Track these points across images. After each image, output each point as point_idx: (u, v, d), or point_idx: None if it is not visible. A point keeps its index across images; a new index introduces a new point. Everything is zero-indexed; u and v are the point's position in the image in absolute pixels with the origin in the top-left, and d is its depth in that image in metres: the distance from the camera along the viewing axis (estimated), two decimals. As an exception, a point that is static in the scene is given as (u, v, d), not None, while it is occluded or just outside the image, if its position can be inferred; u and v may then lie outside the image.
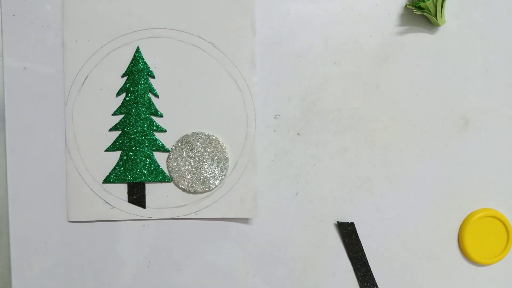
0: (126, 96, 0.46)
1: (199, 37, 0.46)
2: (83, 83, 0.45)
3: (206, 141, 0.46)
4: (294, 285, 0.48)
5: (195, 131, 0.46)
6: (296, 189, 0.48)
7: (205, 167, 0.46)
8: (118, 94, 0.46)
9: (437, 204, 0.49)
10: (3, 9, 0.45)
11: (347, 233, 0.48)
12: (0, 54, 0.45)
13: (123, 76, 0.46)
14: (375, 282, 0.49)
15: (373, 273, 0.49)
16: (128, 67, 0.46)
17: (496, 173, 0.50)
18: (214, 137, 0.46)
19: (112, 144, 0.46)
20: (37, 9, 0.45)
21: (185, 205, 0.47)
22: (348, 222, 0.48)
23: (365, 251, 0.49)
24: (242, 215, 0.47)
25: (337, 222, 0.48)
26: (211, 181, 0.46)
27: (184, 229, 0.47)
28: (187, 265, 0.47)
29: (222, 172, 0.46)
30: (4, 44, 0.45)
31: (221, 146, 0.46)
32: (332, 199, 0.48)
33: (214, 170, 0.46)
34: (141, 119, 0.46)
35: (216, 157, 0.46)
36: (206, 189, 0.46)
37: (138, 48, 0.46)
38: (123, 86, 0.46)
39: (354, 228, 0.48)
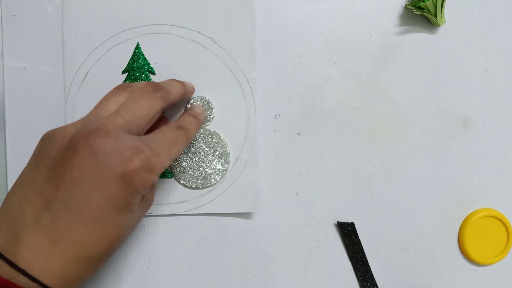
0: (127, 93, 0.46)
1: (199, 32, 0.46)
2: (83, 80, 0.45)
3: (207, 136, 0.46)
4: (294, 285, 0.48)
5: None
6: (296, 189, 0.48)
7: (206, 162, 0.46)
8: (118, 91, 0.46)
9: (437, 204, 0.49)
10: (3, 9, 0.45)
11: (347, 233, 0.48)
12: (0, 54, 0.45)
13: (123, 72, 0.46)
14: (375, 282, 0.49)
15: (373, 273, 0.49)
16: (128, 63, 0.46)
17: (496, 173, 0.50)
18: (215, 132, 0.46)
19: (113, 142, 0.46)
20: (37, 9, 0.45)
21: (187, 201, 0.46)
22: (348, 222, 0.48)
23: (365, 251, 0.49)
24: (243, 210, 0.47)
25: (337, 222, 0.48)
26: (212, 177, 0.46)
27: (184, 229, 0.47)
28: (187, 265, 0.47)
29: (223, 167, 0.46)
30: (4, 44, 0.45)
31: (222, 141, 0.46)
32: (332, 199, 0.48)
33: (215, 166, 0.46)
34: (142, 116, 0.46)
35: (217, 153, 0.46)
36: (208, 185, 0.46)
37: (138, 44, 0.46)
38: (123, 82, 0.46)
39: (354, 228, 0.48)
